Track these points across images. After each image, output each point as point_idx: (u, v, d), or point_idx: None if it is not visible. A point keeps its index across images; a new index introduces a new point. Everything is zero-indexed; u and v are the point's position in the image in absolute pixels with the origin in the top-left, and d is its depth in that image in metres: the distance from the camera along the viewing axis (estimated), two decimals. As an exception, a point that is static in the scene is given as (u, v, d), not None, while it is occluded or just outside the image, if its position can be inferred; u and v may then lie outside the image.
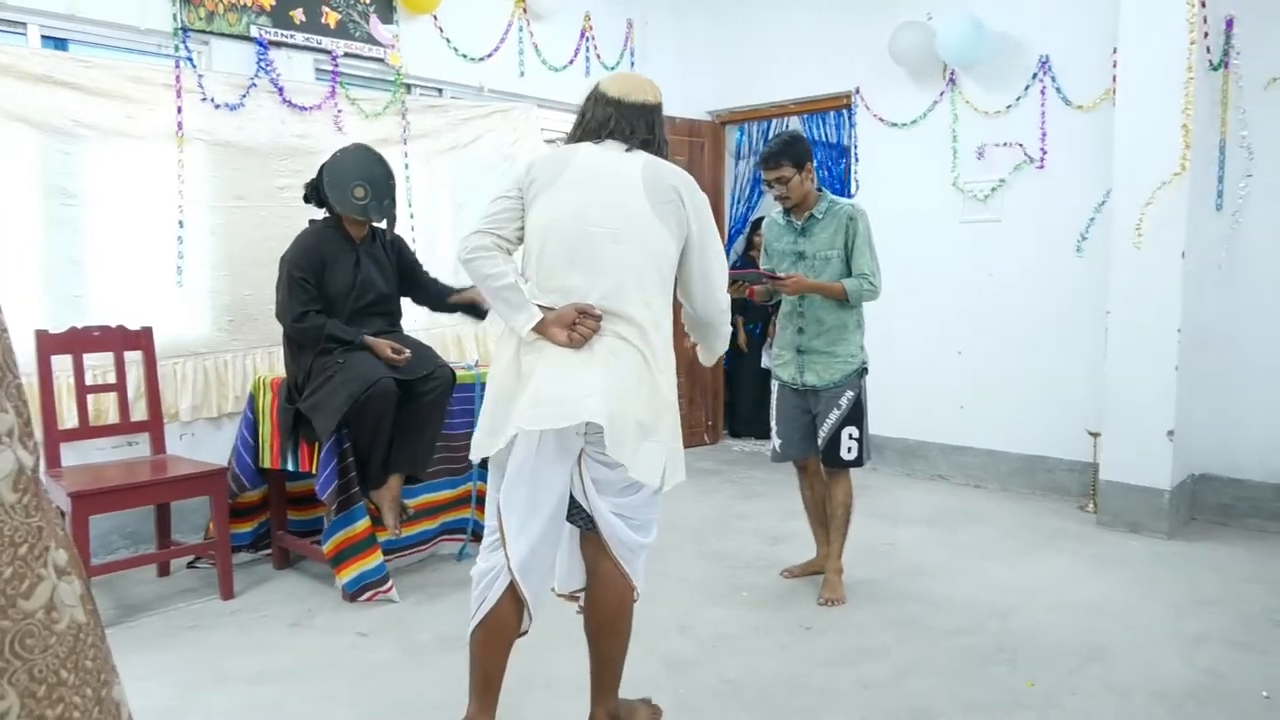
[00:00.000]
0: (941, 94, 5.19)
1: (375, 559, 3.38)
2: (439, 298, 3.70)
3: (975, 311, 5.14)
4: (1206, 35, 4.11)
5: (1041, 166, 4.87)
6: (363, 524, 3.38)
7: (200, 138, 3.94)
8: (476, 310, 3.58)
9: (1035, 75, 4.83)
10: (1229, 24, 4.26)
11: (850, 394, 3.35)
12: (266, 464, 3.64)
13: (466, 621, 2.20)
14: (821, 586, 3.42)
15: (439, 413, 3.48)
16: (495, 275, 2.14)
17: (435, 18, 4.79)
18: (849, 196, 5.56)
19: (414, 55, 4.73)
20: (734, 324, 6.25)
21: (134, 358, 3.67)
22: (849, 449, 3.35)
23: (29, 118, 3.49)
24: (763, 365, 6.18)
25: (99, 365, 3.61)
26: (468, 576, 2.27)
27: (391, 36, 4.61)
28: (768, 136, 6.57)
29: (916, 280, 5.20)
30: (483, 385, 3.49)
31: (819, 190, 3.39)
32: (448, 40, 4.87)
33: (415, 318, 4.03)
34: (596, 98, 2.28)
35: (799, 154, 3.28)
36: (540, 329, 2.10)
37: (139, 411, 3.69)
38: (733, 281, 3.33)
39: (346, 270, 3.46)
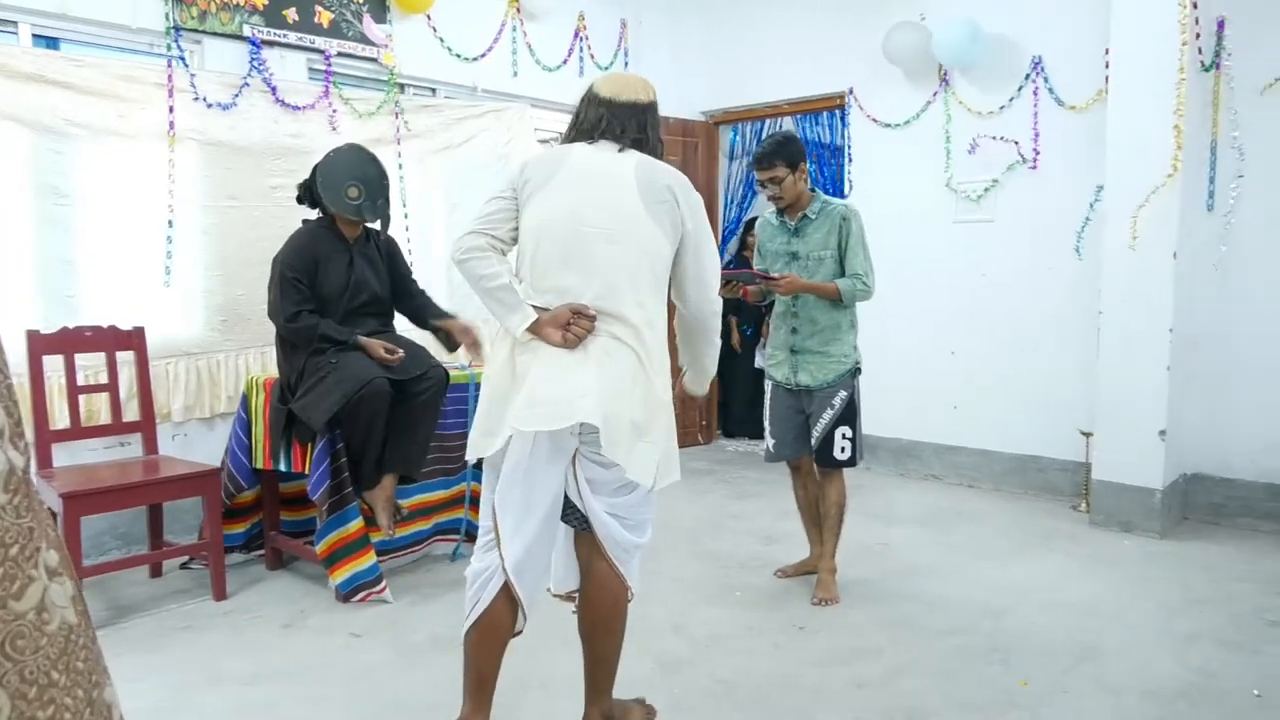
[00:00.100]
0: (935, 94, 5.20)
1: (369, 559, 3.37)
2: (420, 312, 3.68)
3: (968, 311, 5.15)
4: (1198, 36, 4.12)
5: (1034, 167, 4.88)
6: (356, 524, 3.37)
7: (193, 137, 3.92)
8: (450, 341, 3.57)
9: (1028, 76, 4.84)
10: (1220, 25, 4.27)
11: (844, 394, 3.36)
12: (260, 464, 3.63)
13: (460, 622, 2.20)
14: (815, 586, 3.42)
15: (432, 413, 3.48)
16: (489, 276, 2.14)
17: (428, 17, 4.79)
18: (842, 197, 5.57)
19: (407, 55, 4.72)
20: (728, 324, 6.36)
21: (126, 358, 3.66)
22: (842, 449, 3.36)
23: (20, 117, 3.47)
24: (756, 365, 6.19)
25: (91, 365, 3.60)
26: (461, 577, 2.27)
27: (385, 36, 4.60)
28: (761, 137, 6.58)
29: (910, 280, 5.21)
30: (476, 385, 3.49)
31: (812, 191, 3.40)
32: (441, 40, 4.87)
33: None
34: (589, 98, 2.28)
35: (792, 154, 3.29)
36: (535, 329, 2.10)
37: (131, 412, 3.68)
38: (726, 282, 3.33)
39: (340, 270, 3.45)
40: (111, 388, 3.61)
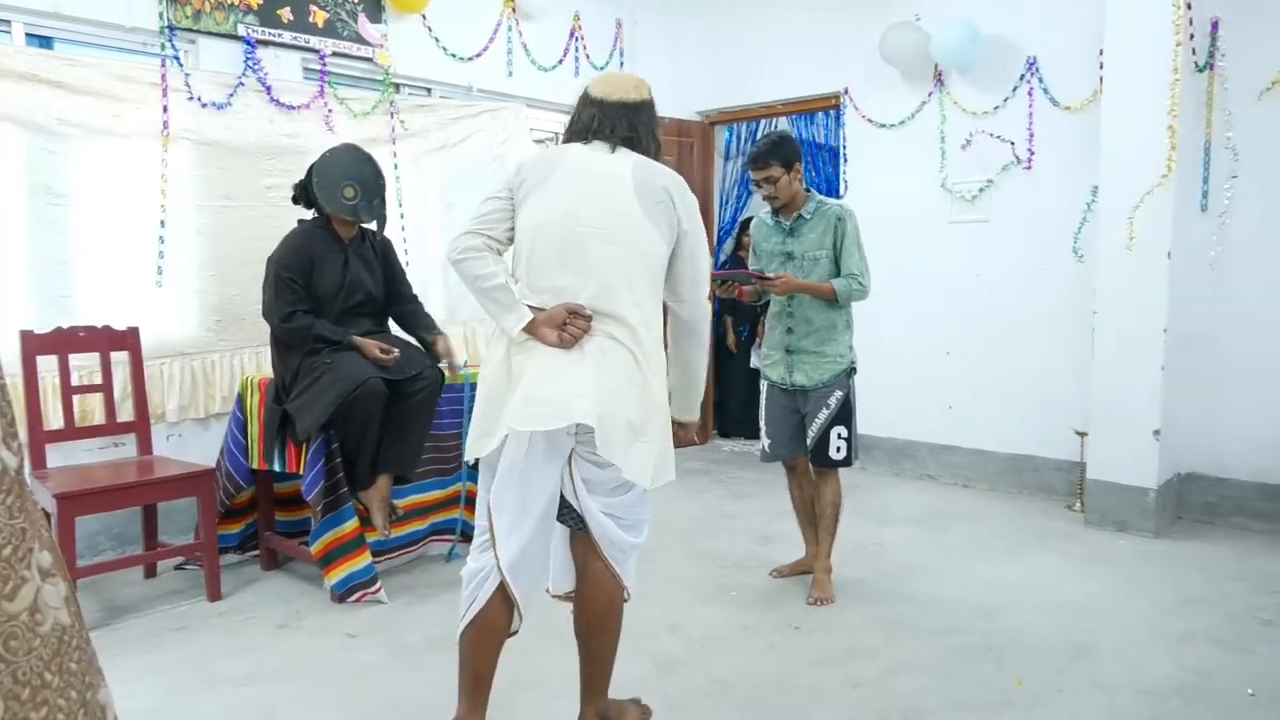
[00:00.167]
0: (930, 94, 5.20)
1: (364, 560, 3.37)
2: (410, 319, 3.67)
3: (963, 312, 5.16)
4: (1192, 37, 4.14)
5: (1029, 167, 4.89)
6: (351, 525, 3.36)
7: (187, 137, 3.91)
8: (433, 353, 3.56)
9: (1023, 76, 4.85)
10: (1215, 26, 4.29)
11: (839, 394, 3.36)
12: (255, 464, 3.62)
13: (456, 622, 2.20)
14: (810, 586, 3.42)
15: (427, 413, 3.47)
16: (485, 276, 2.13)
17: (424, 17, 4.78)
18: (837, 197, 5.57)
19: (402, 54, 4.71)
20: (723, 324, 6.36)
21: (120, 358, 3.65)
22: (838, 449, 3.36)
23: (14, 116, 3.46)
24: (752, 365, 6.20)
25: (85, 366, 3.59)
26: (457, 577, 2.26)
27: (380, 36, 4.60)
28: (757, 137, 6.58)
29: (905, 280, 5.22)
30: (472, 386, 3.49)
31: (807, 191, 3.40)
32: (436, 40, 4.86)
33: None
34: (583, 99, 2.29)
35: (787, 154, 3.29)
36: (531, 329, 2.09)
37: (125, 412, 3.67)
38: (722, 282, 3.34)
39: (335, 270, 3.45)
40: (106, 388, 3.59)
